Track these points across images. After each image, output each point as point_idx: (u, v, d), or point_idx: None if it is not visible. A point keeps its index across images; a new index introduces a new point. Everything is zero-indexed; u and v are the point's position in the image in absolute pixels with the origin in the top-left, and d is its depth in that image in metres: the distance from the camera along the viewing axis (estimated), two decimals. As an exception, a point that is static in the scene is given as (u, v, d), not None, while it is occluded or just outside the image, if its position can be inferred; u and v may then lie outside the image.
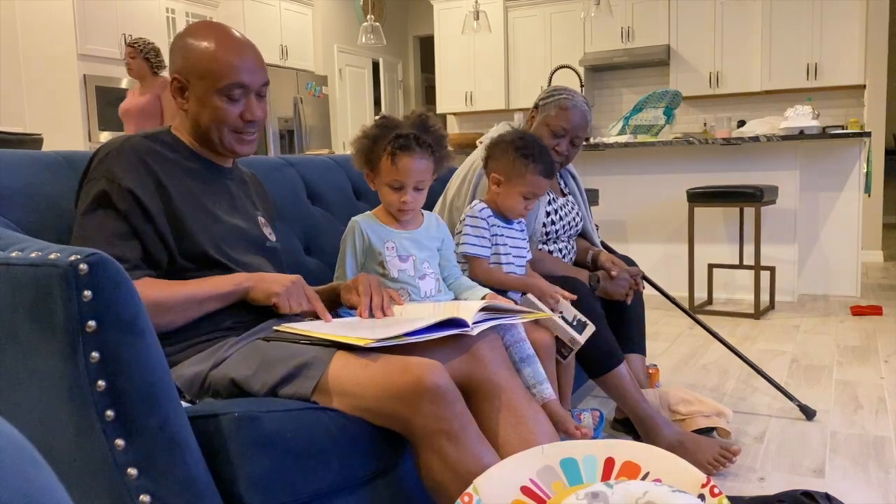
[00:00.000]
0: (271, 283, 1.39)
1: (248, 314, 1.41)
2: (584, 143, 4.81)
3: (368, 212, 1.75)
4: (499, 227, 1.98)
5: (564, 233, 2.33)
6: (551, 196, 2.31)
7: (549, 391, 1.58)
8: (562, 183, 2.46)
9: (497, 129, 2.24)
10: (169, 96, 4.10)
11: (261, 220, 1.57)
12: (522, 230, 2.07)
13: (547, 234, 2.27)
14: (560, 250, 2.33)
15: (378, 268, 1.67)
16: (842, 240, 4.50)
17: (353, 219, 1.72)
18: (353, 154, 1.73)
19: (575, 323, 1.85)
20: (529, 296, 1.86)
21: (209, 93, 1.42)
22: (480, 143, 2.34)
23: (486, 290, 1.75)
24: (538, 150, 1.96)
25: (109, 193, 1.32)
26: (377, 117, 1.72)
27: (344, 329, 1.35)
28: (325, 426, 1.19)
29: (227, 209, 1.48)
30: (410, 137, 1.63)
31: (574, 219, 2.37)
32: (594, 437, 2.03)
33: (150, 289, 1.29)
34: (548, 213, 2.27)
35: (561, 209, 2.32)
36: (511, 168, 1.94)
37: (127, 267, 1.28)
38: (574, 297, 1.91)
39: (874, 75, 6.04)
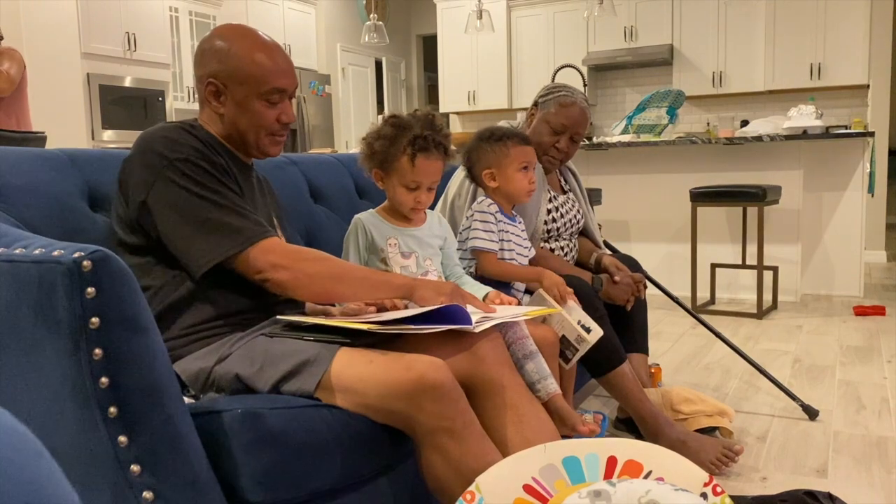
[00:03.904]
0: (440, 285, 1.43)
1: (252, 311, 1.41)
2: (587, 142, 4.82)
3: (372, 209, 1.76)
4: (504, 223, 1.99)
5: (566, 230, 2.33)
6: (552, 194, 2.31)
7: (553, 386, 1.58)
8: (562, 180, 2.46)
9: None
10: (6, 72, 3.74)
11: (274, 220, 1.58)
12: (523, 230, 2.08)
13: (548, 231, 2.27)
14: (562, 248, 2.33)
15: (380, 264, 1.68)
16: (845, 240, 4.49)
17: (357, 216, 1.73)
18: (365, 154, 1.72)
19: (581, 326, 1.85)
20: (540, 291, 1.87)
21: (250, 97, 1.43)
22: None
23: (489, 289, 1.76)
24: (504, 130, 2.03)
25: (203, 165, 1.34)
26: (388, 116, 1.72)
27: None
28: (328, 423, 1.19)
29: (253, 206, 1.48)
30: (429, 139, 1.65)
31: (575, 216, 2.37)
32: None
33: (337, 260, 1.39)
34: (549, 211, 2.27)
35: (562, 206, 2.32)
36: (493, 155, 1.98)
37: (269, 231, 1.36)
38: (572, 292, 1.91)
39: (878, 75, 6.03)
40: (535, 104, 2.30)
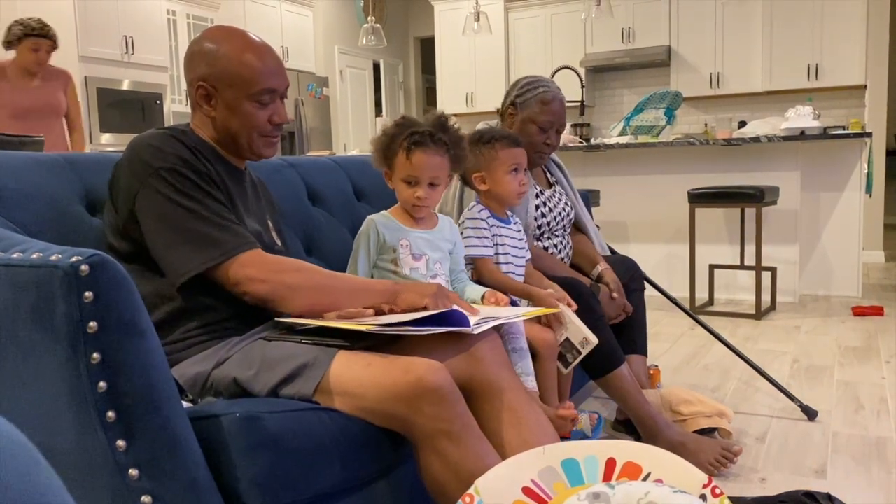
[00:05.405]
0: (423, 287, 1.44)
1: (250, 315, 1.41)
2: (585, 143, 4.82)
3: (384, 211, 1.77)
4: (498, 226, 1.99)
5: (557, 225, 2.32)
6: (538, 189, 2.31)
7: (530, 385, 1.61)
8: (547, 173, 2.47)
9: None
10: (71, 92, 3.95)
11: (269, 223, 1.58)
12: (520, 230, 2.07)
13: (539, 227, 2.27)
14: (555, 245, 2.32)
15: (391, 265, 1.69)
16: (843, 240, 4.49)
17: (369, 217, 1.74)
18: (373, 152, 1.75)
19: (580, 341, 1.84)
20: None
21: (240, 99, 1.42)
22: None
23: (485, 289, 1.76)
24: (494, 132, 2.03)
25: (187, 174, 1.33)
26: (399, 117, 1.74)
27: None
28: (327, 427, 1.19)
29: (245, 211, 1.48)
30: (426, 134, 1.66)
31: (564, 208, 2.37)
32: (592, 439, 2.03)
33: (318, 270, 1.39)
34: (537, 207, 2.27)
35: (549, 200, 2.32)
36: (483, 158, 1.98)
37: (249, 244, 1.34)
38: (575, 305, 1.91)
39: (875, 75, 6.04)
40: (513, 104, 2.30)
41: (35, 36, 3.71)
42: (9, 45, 3.76)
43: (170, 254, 1.31)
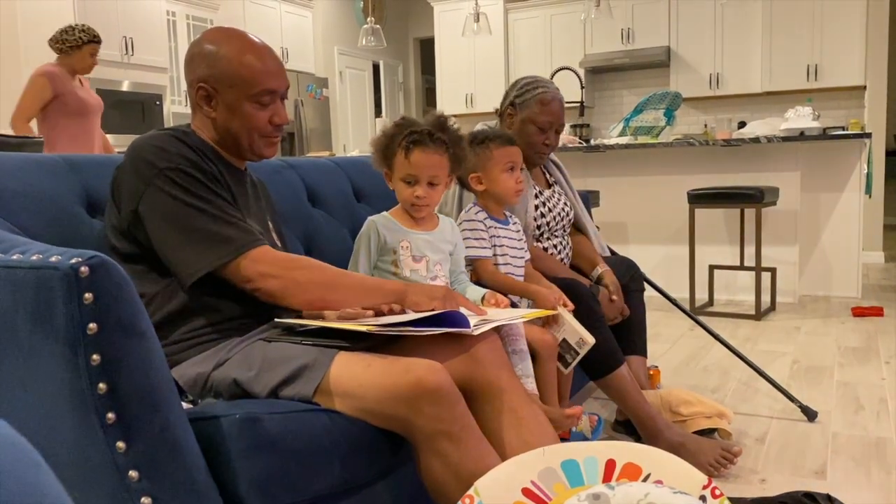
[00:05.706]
0: (432, 290, 1.44)
1: (250, 316, 1.41)
2: (585, 144, 4.83)
3: (385, 212, 1.77)
4: (496, 227, 1.99)
5: (557, 225, 2.33)
6: (537, 189, 2.31)
7: (530, 386, 1.61)
8: (546, 174, 2.47)
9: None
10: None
11: (269, 224, 1.58)
12: (519, 230, 2.07)
13: (538, 227, 2.27)
14: (555, 246, 2.32)
15: (391, 266, 1.69)
16: (843, 241, 4.50)
17: (370, 218, 1.74)
18: (372, 153, 1.76)
19: (576, 341, 1.84)
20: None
21: (240, 100, 1.43)
22: None
23: (485, 290, 1.76)
24: (488, 132, 2.03)
25: (193, 174, 1.34)
26: (399, 118, 1.74)
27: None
28: (327, 428, 1.19)
29: (246, 212, 1.48)
30: (424, 133, 1.67)
31: (563, 208, 2.37)
32: (592, 440, 2.03)
33: (328, 268, 1.38)
34: (536, 207, 2.27)
35: (548, 201, 2.32)
36: (477, 159, 1.98)
37: (259, 241, 1.34)
38: (572, 305, 1.91)
39: (874, 76, 6.04)
40: (512, 104, 2.30)
41: (96, 42, 3.98)
42: (69, 49, 3.90)
43: (179, 253, 1.31)
